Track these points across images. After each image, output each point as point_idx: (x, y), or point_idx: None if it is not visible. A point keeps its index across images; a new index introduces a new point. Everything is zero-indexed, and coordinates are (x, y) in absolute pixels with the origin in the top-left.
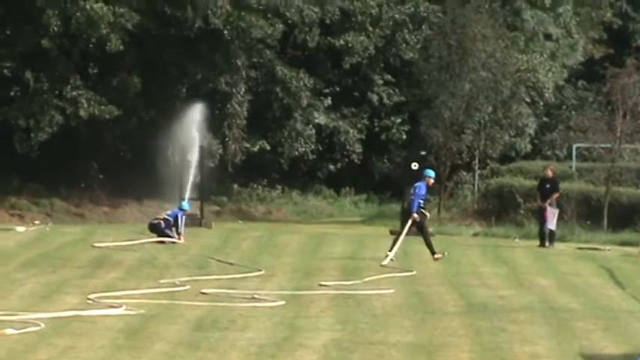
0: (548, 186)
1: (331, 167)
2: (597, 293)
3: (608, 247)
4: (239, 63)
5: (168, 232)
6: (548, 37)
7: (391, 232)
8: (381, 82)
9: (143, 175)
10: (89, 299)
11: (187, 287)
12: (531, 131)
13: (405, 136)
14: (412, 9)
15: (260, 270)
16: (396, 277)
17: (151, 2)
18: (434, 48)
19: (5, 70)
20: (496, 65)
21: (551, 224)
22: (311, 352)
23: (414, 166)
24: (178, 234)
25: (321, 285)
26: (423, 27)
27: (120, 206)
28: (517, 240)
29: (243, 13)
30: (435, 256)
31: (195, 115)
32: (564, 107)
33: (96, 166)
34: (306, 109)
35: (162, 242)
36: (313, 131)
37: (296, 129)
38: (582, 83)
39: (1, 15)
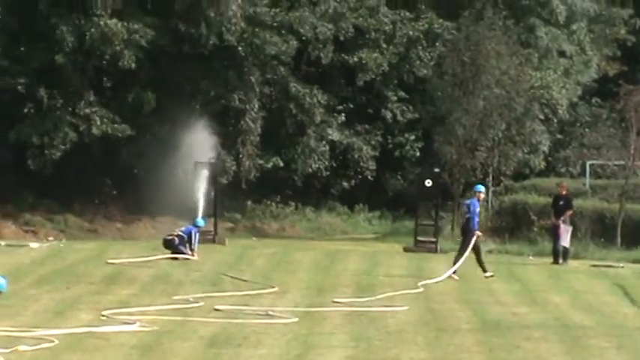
0: (561, 203)
1: (345, 184)
2: (611, 311)
3: (621, 265)
4: (253, 79)
5: (181, 248)
6: (562, 54)
7: (405, 249)
8: (395, 98)
9: (157, 191)
10: (103, 315)
11: (201, 304)
12: (545, 148)
13: (418, 153)
14: (426, 26)
15: (273, 287)
16: (409, 293)
17: (164, 19)
18: (447, 65)
19: (19, 87)
20: (510, 82)
21: (565, 241)
22: None
23: (428, 183)
24: (192, 250)
25: (335, 302)
26: (437, 44)
27: (133, 222)
28: (531, 257)
29: (257, 30)
30: (486, 274)
31: (209, 131)
32: (578, 124)
33: (109, 182)
34: (319, 125)
35: (176, 258)
36: (327, 148)
37: (309, 146)
38: (596, 100)
39: (15, 31)
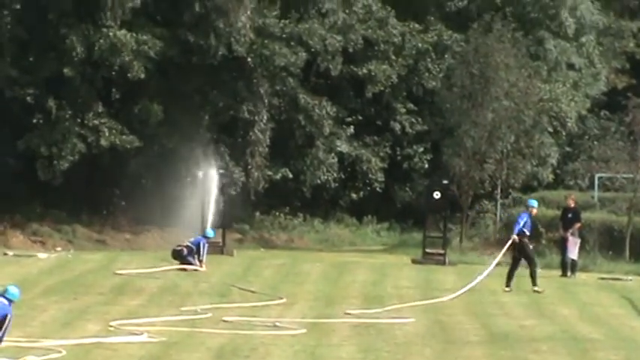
0: (570, 216)
1: (353, 195)
2: (619, 323)
3: (630, 278)
4: (262, 91)
5: (190, 259)
6: (570, 66)
7: (413, 261)
8: (404, 110)
9: (165, 202)
10: (111, 326)
11: (209, 315)
12: (554, 161)
13: (427, 165)
14: (435, 38)
15: (282, 298)
16: (418, 305)
17: (173, 30)
18: (456, 77)
19: (28, 97)
20: (519, 95)
21: (573, 254)
22: None
23: (436, 195)
24: (200, 261)
25: (347, 314)
26: (446, 56)
27: (142, 233)
28: (539, 270)
29: (266, 41)
30: (535, 288)
31: (218, 142)
32: (587, 137)
33: (118, 192)
34: (328, 137)
35: (184, 269)
36: (335, 159)
37: (318, 157)
38: (605, 113)
39: (24, 42)
